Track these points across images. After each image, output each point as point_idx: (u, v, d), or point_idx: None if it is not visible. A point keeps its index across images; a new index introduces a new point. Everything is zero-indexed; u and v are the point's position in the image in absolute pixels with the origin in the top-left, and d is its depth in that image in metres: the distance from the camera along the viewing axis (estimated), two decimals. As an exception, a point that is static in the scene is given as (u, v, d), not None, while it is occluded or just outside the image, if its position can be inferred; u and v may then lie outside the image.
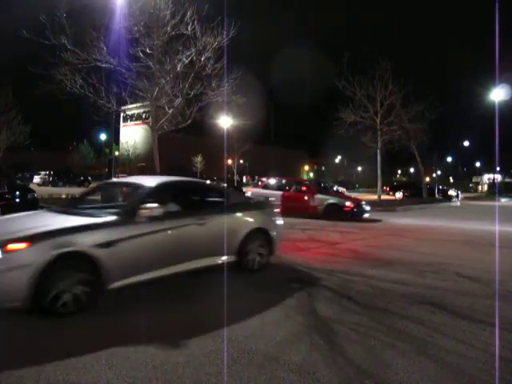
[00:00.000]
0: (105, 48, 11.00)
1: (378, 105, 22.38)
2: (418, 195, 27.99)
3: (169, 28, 11.27)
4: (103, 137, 45.46)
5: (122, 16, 11.05)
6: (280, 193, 13.70)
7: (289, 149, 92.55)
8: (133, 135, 66.55)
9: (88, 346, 2.91)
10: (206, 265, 4.65)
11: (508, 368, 2.75)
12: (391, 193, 33.50)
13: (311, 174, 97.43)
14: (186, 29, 11.28)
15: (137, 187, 4.69)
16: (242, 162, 59.18)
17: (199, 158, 60.54)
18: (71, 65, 10.91)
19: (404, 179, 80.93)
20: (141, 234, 3.99)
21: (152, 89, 11.75)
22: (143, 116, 57.70)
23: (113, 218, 3.99)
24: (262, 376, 2.55)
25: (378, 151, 23.07)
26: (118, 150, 60.49)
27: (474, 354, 2.95)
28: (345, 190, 34.48)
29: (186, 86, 11.91)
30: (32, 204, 12.67)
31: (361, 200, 14.09)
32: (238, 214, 5.21)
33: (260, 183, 15.87)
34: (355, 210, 12.71)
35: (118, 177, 35.33)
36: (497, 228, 11.55)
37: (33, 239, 3.42)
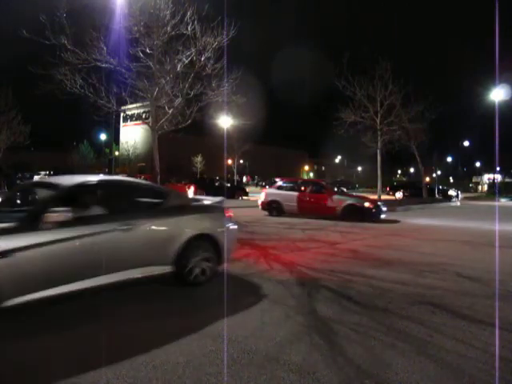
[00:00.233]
0: (105, 48, 11.00)
1: (378, 105, 22.39)
2: (418, 195, 28.00)
3: (169, 28, 11.27)
4: (103, 137, 45.49)
5: (121, 16, 11.05)
6: (296, 193, 13.62)
7: (289, 149, 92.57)
8: (133, 135, 66.59)
9: None
10: (134, 277, 3.99)
11: (508, 368, 2.75)
12: (391, 193, 33.51)
13: (311, 174, 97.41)
14: (186, 29, 11.28)
15: (50, 188, 4.02)
16: (241, 161, 59.20)
17: (199, 158, 60.58)
18: (71, 65, 10.91)
19: (404, 179, 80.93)
20: (45, 243, 3.40)
21: (152, 89, 11.75)
22: (143, 116, 57.72)
23: (11, 224, 3.39)
24: (261, 376, 2.55)
25: (378, 151, 23.08)
26: (118, 150, 60.51)
27: (474, 354, 2.95)
28: (344, 189, 34.48)
29: (186, 86, 11.91)
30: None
31: (377, 200, 14.03)
32: (177, 218, 4.50)
33: (274, 184, 15.50)
34: (374, 210, 12.62)
35: (117, 177, 35.45)
36: (497, 228, 11.56)
37: None
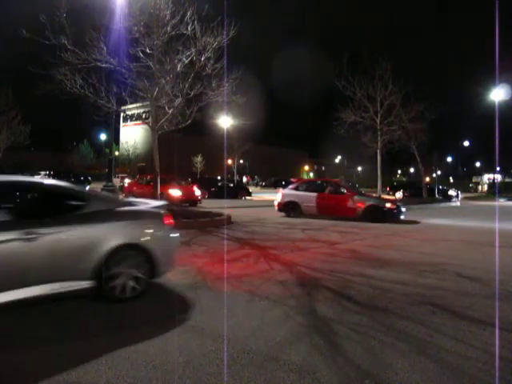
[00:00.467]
0: (105, 48, 10.99)
1: (378, 105, 22.40)
2: (418, 195, 28.02)
3: (169, 28, 11.27)
4: (103, 137, 45.50)
5: (122, 16, 11.05)
6: (314, 194, 13.38)
7: (289, 149, 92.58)
8: (133, 135, 66.63)
9: None
10: (42, 293, 3.48)
11: (508, 368, 2.75)
12: (391, 193, 33.52)
13: (311, 174, 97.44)
14: (186, 29, 11.28)
15: None
16: (241, 162, 59.22)
17: (199, 158, 60.60)
18: (71, 65, 10.90)
19: (404, 179, 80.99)
20: None
21: (152, 89, 11.75)
22: (143, 116, 57.73)
23: None
24: (261, 376, 2.55)
25: (378, 151, 23.08)
26: (118, 150, 60.52)
27: (474, 354, 2.95)
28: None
29: (186, 86, 11.90)
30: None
31: (396, 201, 13.95)
32: (97, 225, 3.92)
33: (291, 185, 15.27)
34: (395, 211, 12.56)
35: (117, 177, 35.42)
36: (497, 227, 11.56)
37: None
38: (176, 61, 11.58)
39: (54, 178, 39.93)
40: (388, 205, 12.77)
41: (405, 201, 24.73)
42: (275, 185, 62.01)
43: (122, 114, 64.92)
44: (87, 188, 5.23)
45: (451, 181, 65.06)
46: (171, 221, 4.54)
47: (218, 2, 11.65)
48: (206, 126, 34.78)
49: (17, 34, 10.43)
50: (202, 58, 11.57)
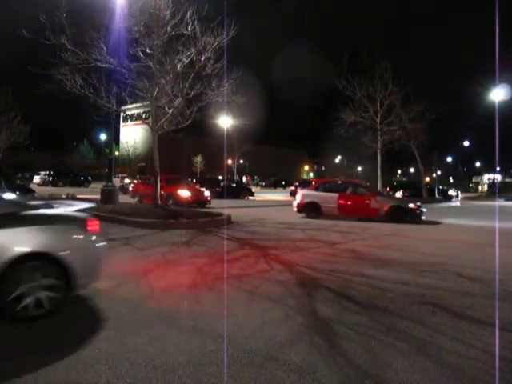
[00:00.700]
0: (105, 48, 11.00)
1: (378, 105, 22.42)
2: (418, 195, 28.01)
3: (169, 28, 11.27)
4: (103, 137, 45.52)
5: (122, 16, 11.05)
6: (336, 195, 13.20)
7: (289, 149, 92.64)
8: (133, 135, 66.66)
9: None
10: None
11: (508, 368, 2.75)
12: (391, 193, 33.51)
13: (311, 174, 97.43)
14: (186, 29, 11.28)
15: None
16: (241, 162, 59.21)
17: (199, 158, 60.61)
18: (71, 65, 10.91)
19: (404, 179, 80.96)
20: None
21: (152, 89, 11.75)
22: (143, 116, 57.75)
23: None
24: (261, 376, 2.55)
25: (378, 151, 23.10)
26: (118, 150, 60.51)
27: (474, 354, 2.95)
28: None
29: (186, 85, 11.91)
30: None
31: (417, 201, 13.97)
32: None
33: (311, 185, 15.05)
34: (417, 211, 12.53)
35: (117, 177, 35.42)
36: (496, 226, 11.56)
37: None
38: (176, 61, 11.58)
39: (54, 177, 39.95)
40: (411, 205, 12.75)
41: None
42: (275, 185, 62.07)
43: (121, 114, 64.97)
44: None
45: (451, 181, 65.05)
46: (96, 227, 4.00)
47: (218, 2, 11.66)
48: (206, 126, 34.78)
49: (17, 34, 10.43)
50: (202, 58, 11.57)
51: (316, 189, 14.05)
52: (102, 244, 4.08)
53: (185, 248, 7.20)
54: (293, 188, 29.07)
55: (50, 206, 4.12)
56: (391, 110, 22.61)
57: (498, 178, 57.15)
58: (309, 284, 4.81)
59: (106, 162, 17.42)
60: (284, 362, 2.75)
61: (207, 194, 18.27)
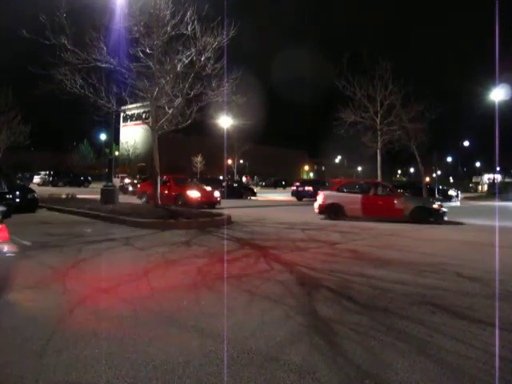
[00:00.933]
0: (105, 48, 11.01)
1: (378, 105, 22.43)
2: (418, 195, 27.97)
3: (169, 28, 11.28)
4: (103, 137, 45.55)
5: (122, 16, 11.06)
6: (359, 196, 13.09)
7: (289, 149, 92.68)
8: (133, 135, 66.69)
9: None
10: None
11: (508, 368, 2.74)
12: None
13: (311, 174, 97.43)
14: (186, 29, 11.29)
15: None
16: (241, 161, 59.20)
17: (199, 158, 60.60)
18: (71, 65, 10.92)
19: (404, 179, 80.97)
20: None
21: (152, 89, 11.76)
22: (143, 116, 57.80)
23: None
24: (261, 376, 2.55)
25: (378, 151, 23.11)
26: (118, 150, 60.53)
27: (474, 354, 2.94)
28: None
29: (186, 86, 11.91)
30: (32, 204, 12.71)
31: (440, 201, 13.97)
32: None
33: (334, 185, 14.53)
34: (441, 212, 12.49)
35: (117, 177, 35.41)
36: (497, 226, 11.57)
37: None
38: (176, 61, 11.59)
39: (54, 178, 39.95)
40: (435, 206, 12.72)
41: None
42: (275, 185, 62.10)
43: (122, 114, 65.03)
44: None
45: (451, 181, 65.06)
46: (5, 235, 3.54)
47: (218, 2, 11.67)
48: (206, 126, 34.81)
49: (17, 34, 10.45)
50: (202, 58, 11.58)
51: (338, 190, 13.74)
52: (10, 255, 3.55)
53: (185, 248, 7.20)
54: (294, 188, 28.95)
55: None
56: (391, 110, 22.60)
57: (498, 178, 57.16)
58: (309, 284, 4.81)
59: (106, 162, 17.41)
60: (284, 362, 2.75)
61: (217, 194, 17.75)
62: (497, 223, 13.09)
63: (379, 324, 3.51)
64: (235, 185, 29.54)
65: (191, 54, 11.56)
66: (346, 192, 13.55)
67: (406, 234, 9.86)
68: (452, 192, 31.71)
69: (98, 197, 15.20)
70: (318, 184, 28.52)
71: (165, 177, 18.42)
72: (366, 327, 3.43)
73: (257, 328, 3.36)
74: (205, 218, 10.81)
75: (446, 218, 12.59)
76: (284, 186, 60.45)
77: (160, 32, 11.25)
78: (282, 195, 35.12)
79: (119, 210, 11.65)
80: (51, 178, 39.86)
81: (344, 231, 10.15)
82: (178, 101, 12.16)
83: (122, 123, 70.43)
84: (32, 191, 13.23)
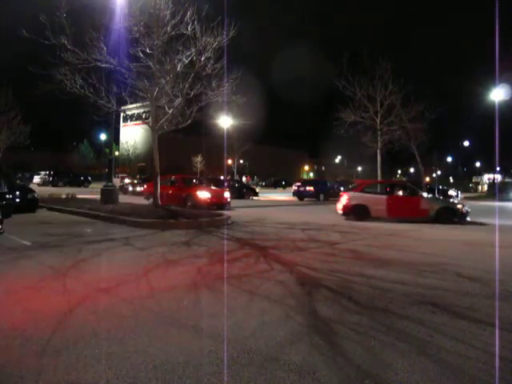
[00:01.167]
0: (105, 48, 11.01)
1: (378, 105, 22.43)
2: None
3: (169, 28, 11.28)
4: (103, 137, 45.59)
5: (122, 16, 11.06)
6: (384, 197, 13.07)
7: (289, 149, 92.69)
8: (133, 135, 66.69)
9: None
10: None
11: (508, 368, 2.74)
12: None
13: (311, 174, 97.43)
14: (186, 29, 11.29)
15: None
16: (241, 162, 59.20)
17: (199, 158, 60.59)
18: (71, 65, 10.92)
19: (404, 179, 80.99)
20: None
21: (152, 89, 11.76)
22: (143, 116, 57.82)
23: None
24: (261, 376, 2.55)
25: (378, 151, 23.11)
26: (118, 150, 60.53)
27: (474, 354, 2.94)
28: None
29: (186, 86, 11.92)
30: (32, 204, 12.71)
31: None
32: None
33: (357, 186, 14.39)
34: (464, 212, 12.54)
35: (118, 177, 35.41)
36: (497, 226, 11.57)
37: None
38: (176, 61, 11.59)
39: (54, 178, 39.94)
40: (459, 206, 12.81)
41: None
42: (275, 185, 62.09)
43: (121, 114, 65.06)
44: None
45: (451, 181, 65.07)
46: None
47: (218, 2, 11.67)
48: (206, 126, 34.81)
49: (17, 34, 10.45)
50: (202, 58, 11.59)
51: (362, 190, 13.61)
52: None
53: (185, 248, 7.20)
54: (295, 188, 28.91)
55: None
56: (391, 110, 22.61)
57: (498, 178, 57.15)
58: (309, 284, 4.81)
59: (106, 162, 17.40)
60: (284, 362, 2.75)
61: (227, 195, 17.08)
62: (497, 222, 13.10)
63: (379, 324, 3.51)
64: (237, 185, 29.46)
65: (191, 54, 11.56)
66: (371, 193, 13.47)
67: (406, 234, 9.86)
68: (452, 192, 31.71)
69: (98, 197, 15.20)
70: (319, 184, 28.57)
71: (173, 177, 18.01)
72: (366, 327, 3.43)
73: (257, 328, 3.36)
74: (205, 218, 10.81)
75: (468, 219, 12.63)
76: (284, 186, 60.47)
77: (160, 32, 11.25)
78: (283, 195, 35.12)
79: (119, 210, 11.65)
80: (51, 178, 39.85)
81: (344, 231, 10.15)
82: (178, 101, 12.16)
83: (122, 123, 70.45)
84: (32, 191, 13.23)
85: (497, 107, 22.44)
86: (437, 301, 4.22)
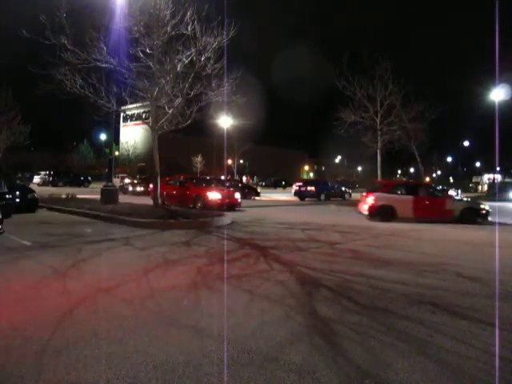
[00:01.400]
0: (105, 48, 11.01)
1: (378, 105, 22.44)
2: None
3: (169, 28, 11.28)
4: (103, 137, 45.60)
5: (122, 16, 11.06)
6: (410, 197, 13.04)
7: (289, 149, 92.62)
8: (133, 135, 66.67)
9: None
10: None
11: (508, 368, 2.74)
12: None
13: (311, 174, 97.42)
14: (186, 29, 11.29)
15: None
16: (241, 162, 59.18)
17: (199, 158, 60.56)
18: (71, 65, 10.92)
19: (404, 179, 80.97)
20: None
21: (152, 89, 11.76)
22: (143, 116, 57.82)
23: None
24: (261, 376, 2.55)
25: (378, 151, 23.12)
26: (118, 150, 60.52)
27: (474, 354, 2.95)
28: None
29: (186, 86, 11.92)
30: (32, 204, 12.71)
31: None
32: None
33: (383, 187, 14.13)
34: (486, 212, 12.77)
35: (118, 177, 35.39)
36: (497, 227, 11.57)
37: None
38: (176, 61, 11.59)
39: (54, 177, 39.91)
40: (482, 206, 13.01)
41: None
42: (275, 185, 62.04)
43: (121, 114, 65.07)
44: None
45: (451, 181, 65.06)
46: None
47: (218, 2, 11.67)
48: (206, 126, 34.77)
49: (17, 34, 10.45)
50: (202, 58, 11.59)
51: (388, 191, 13.59)
52: None
53: (185, 248, 7.20)
54: (296, 188, 28.85)
55: None
56: (391, 110, 22.63)
57: (498, 178, 57.15)
58: (309, 284, 4.81)
59: (106, 162, 17.40)
60: (284, 362, 2.75)
61: (238, 196, 16.64)
62: (497, 220, 13.10)
63: (379, 324, 3.51)
64: (239, 185, 29.38)
65: (191, 53, 11.56)
66: (397, 194, 13.49)
67: (406, 234, 9.86)
68: (452, 192, 31.71)
69: (98, 197, 15.20)
70: (320, 184, 28.55)
71: (182, 177, 17.62)
72: (366, 327, 3.43)
73: (257, 328, 3.36)
74: (205, 218, 10.81)
75: (489, 218, 12.86)
76: (284, 186, 60.44)
77: (160, 32, 11.25)
78: (284, 195, 35.10)
79: (119, 210, 11.65)
80: (51, 178, 39.81)
81: (344, 231, 10.14)
82: (178, 101, 12.16)
83: (122, 123, 70.42)
84: (32, 191, 13.23)
85: (497, 107, 22.44)
86: (437, 301, 4.22)
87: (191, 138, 60.84)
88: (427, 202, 13.08)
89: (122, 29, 11.22)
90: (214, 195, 15.21)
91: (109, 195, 14.28)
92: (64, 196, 17.03)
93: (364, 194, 14.22)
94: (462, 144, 52.03)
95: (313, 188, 27.01)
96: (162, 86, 11.77)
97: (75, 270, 5.28)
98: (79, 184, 40.63)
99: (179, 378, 2.51)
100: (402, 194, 13.45)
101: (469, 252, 7.51)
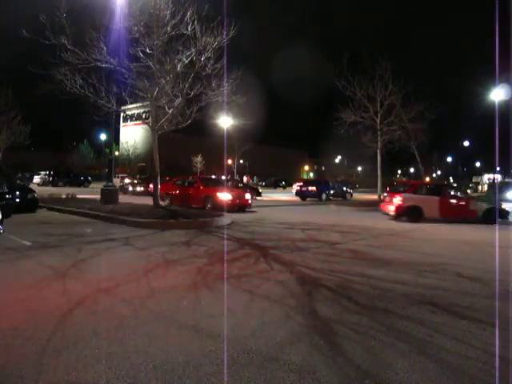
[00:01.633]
0: (105, 48, 11.01)
1: (378, 105, 22.46)
2: (418, 195, 27.93)
3: (169, 28, 11.28)
4: (103, 137, 45.57)
5: (122, 16, 11.06)
6: (436, 198, 13.16)
7: (289, 149, 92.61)
8: (133, 135, 66.67)
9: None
10: None
11: (508, 368, 2.74)
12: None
13: (311, 174, 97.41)
14: (186, 29, 11.29)
15: None
16: (241, 161, 59.16)
17: (199, 158, 60.55)
18: (71, 65, 10.92)
19: (404, 179, 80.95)
20: None
21: (152, 89, 11.76)
22: (143, 116, 57.84)
23: None
24: (261, 376, 2.55)
25: (378, 151, 23.14)
26: (118, 150, 60.49)
27: (474, 354, 2.95)
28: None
29: (186, 86, 11.92)
30: (32, 204, 12.71)
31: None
32: None
33: (409, 187, 14.16)
34: (507, 212, 13.12)
35: (118, 177, 35.38)
36: (497, 227, 11.56)
37: None
38: (176, 61, 11.59)
39: (54, 177, 39.90)
40: (503, 206, 13.43)
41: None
42: (275, 185, 62.06)
43: (121, 114, 65.08)
44: None
45: (451, 181, 65.06)
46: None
47: (218, 2, 11.66)
48: (206, 126, 34.76)
49: (17, 34, 10.45)
50: (202, 58, 11.59)
51: (416, 192, 13.65)
52: None
53: (185, 248, 7.20)
54: (297, 188, 28.84)
55: None
56: (391, 110, 22.65)
57: (498, 178, 57.12)
58: (309, 284, 4.81)
59: (106, 162, 17.40)
60: (284, 362, 2.75)
61: (248, 196, 16.28)
62: (497, 221, 13.10)
63: (379, 324, 3.51)
64: (240, 185, 29.35)
65: (191, 54, 11.56)
66: (423, 194, 13.56)
67: (406, 234, 9.86)
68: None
69: (98, 197, 15.19)
70: (321, 184, 28.56)
71: (191, 177, 17.33)
72: (366, 327, 3.43)
73: (257, 328, 3.36)
74: (205, 218, 10.81)
75: (510, 218, 13.19)
76: (284, 186, 60.46)
77: (160, 32, 11.25)
78: (285, 195, 35.12)
79: (119, 210, 11.65)
80: (51, 178, 39.80)
81: (344, 231, 10.14)
82: (178, 101, 12.16)
83: (122, 123, 70.42)
84: (32, 191, 13.23)
85: (497, 107, 22.42)
86: (437, 301, 4.22)
87: (191, 137, 60.84)
88: (453, 203, 13.29)
89: (122, 29, 11.22)
90: (224, 196, 14.84)
91: (109, 195, 14.28)
92: (64, 196, 17.03)
93: (385, 194, 14.48)
94: (462, 144, 52.03)
95: (314, 188, 27.04)
96: (162, 86, 11.77)
97: (75, 269, 5.28)
98: (79, 184, 40.63)
99: (179, 377, 2.51)
100: (427, 194, 13.55)
101: (469, 252, 7.51)
